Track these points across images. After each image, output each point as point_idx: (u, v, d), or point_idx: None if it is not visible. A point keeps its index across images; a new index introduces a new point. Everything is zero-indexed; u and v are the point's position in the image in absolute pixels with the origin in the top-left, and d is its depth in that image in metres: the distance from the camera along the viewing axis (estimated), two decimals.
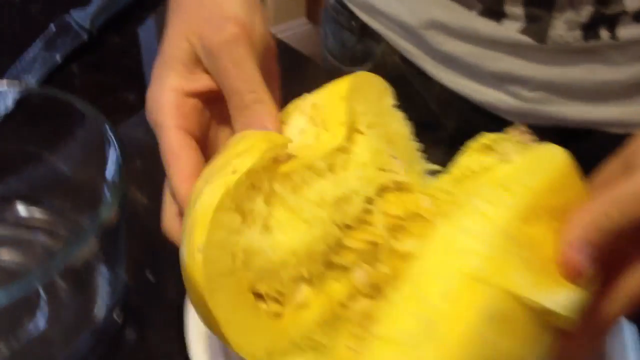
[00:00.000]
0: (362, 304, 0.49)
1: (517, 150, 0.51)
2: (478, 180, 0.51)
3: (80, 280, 0.62)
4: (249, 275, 0.47)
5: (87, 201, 0.69)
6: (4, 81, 0.69)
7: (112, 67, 0.98)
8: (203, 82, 0.55)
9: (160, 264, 0.70)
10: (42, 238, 0.72)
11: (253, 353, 0.46)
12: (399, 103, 0.58)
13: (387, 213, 0.52)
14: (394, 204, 0.52)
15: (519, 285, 0.44)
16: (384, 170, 0.54)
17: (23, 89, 0.69)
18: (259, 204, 0.48)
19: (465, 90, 0.87)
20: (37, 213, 0.73)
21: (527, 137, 0.52)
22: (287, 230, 0.49)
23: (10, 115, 0.69)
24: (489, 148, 0.53)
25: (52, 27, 0.98)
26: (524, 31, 0.77)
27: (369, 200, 0.52)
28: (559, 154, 0.50)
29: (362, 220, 0.52)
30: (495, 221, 0.46)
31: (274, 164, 0.50)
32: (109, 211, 0.59)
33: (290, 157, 0.51)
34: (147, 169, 0.79)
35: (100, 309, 0.64)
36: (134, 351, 0.65)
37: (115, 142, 0.63)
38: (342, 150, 0.52)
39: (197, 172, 0.51)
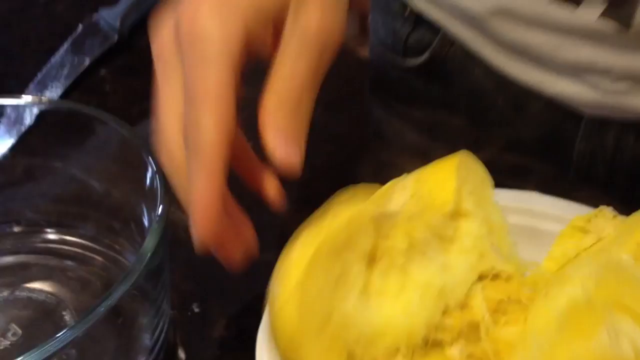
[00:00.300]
0: None
1: (613, 225, 0.50)
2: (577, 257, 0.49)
3: (121, 321, 0.55)
4: (344, 336, 0.45)
5: (123, 224, 0.62)
6: (27, 96, 0.63)
7: (145, 71, 0.90)
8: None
9: (206, 293, 0.63)
10: (75, 266, 0.65)
11: None
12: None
13: (488, 297, 0.50)
14: (494, 290, 0.50)
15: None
16: (486, 258, 0.51)
17: (46, 104, 0.63)
18: (358, 269, 0.46)
19: (538, 84, 0.79)
20: (68, 237, 0.67)
21: (618, 215, 0.51)
22: (392, 305, 0.47)
23: (32, 131, 0.62)
24: (582, 230, 0.51)
25: (80, 27, 0.93)
26: (605, 16, 0.69)
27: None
28: None
29: (463, 303, 0.50)
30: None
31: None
32: (153, 245, 0.52)
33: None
34: None
35: (142, 350, 0.57)
36: None
37: (153, 164, 0.56)
38: (450, 225, 0.51)
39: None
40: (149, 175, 0.57)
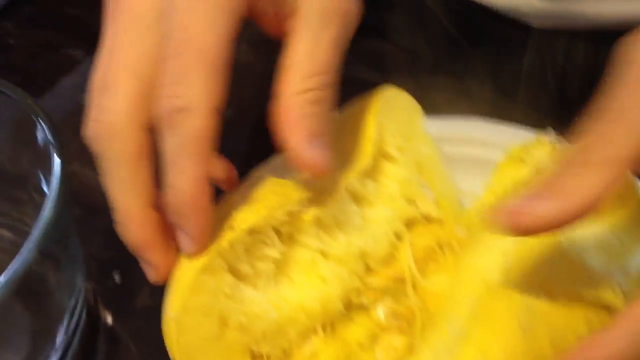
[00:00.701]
0: (390, 340, 0.44)
1: (551, 157, 0.46)
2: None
3: (34, 297, 0.50)
4: (245, 339, 0.42)
5: (27, 195, 0.56)
6: None
7: (54, 20, 0.83)
8: None
9: (127, 261, 0.57)
10: None
11: None
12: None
13: (415, 246, 0.47)
14: (423, 236, 0.47)
15: None
16: (414, 202, 0.48)
17: None
18: (262, 262, 0.43)
19: None
20: None
21: (560, 139, 0.47)
22: (298, 288, 0.43)
23: None
24: (521, 161, 0.48)
25: None
26: None
27: (397, 235, 0.47)
28: None
29: (388, 256, 0.47)
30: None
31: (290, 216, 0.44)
32: (52, 211, 0.48)
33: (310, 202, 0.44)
34: None
35: (60, 325, 0.52)
36: None
37: (46, 126, 0.50)
38: (370, 176, 0.47)
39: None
40: (39, 137, 0.51)
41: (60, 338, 0.53)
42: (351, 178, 0.45)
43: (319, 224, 0.44)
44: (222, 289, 0.41)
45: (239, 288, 0.42)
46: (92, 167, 0.64)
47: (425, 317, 0.44)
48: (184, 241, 0.41)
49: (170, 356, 0.41)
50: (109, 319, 0.56)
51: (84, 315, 0.55)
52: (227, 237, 0.41)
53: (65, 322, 0.53)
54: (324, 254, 0.44)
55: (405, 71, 0.69)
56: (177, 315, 0.40)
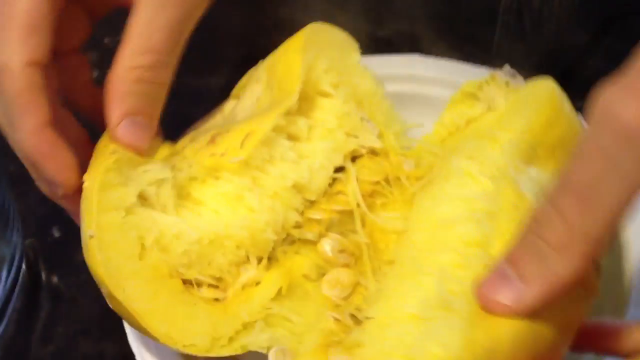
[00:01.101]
0: (336, 274, 0.43)
1: (504, 94, 0.45)
2: (463, 135, 0.45)
3: None
4: (169, 260, 0.41)
5: None
6: None
7: None
8: None
9: (65, 215, 0.56)
10: None
11: (191, 343, 0.40)
12: None
13: (361, 180, 0.45)
14: (369, 170, 0.46)
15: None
16: (354, 135, 0.47)
17: None
18: (167, 187, 0.42)
19: None
20: None
21: (514, 77, 0.46)
22: (223, 218, 0.43)
23: None
24: (473, 97, 0.47)
25: None
26: None
27: (339, 169, 0.46)
28: (544, 88, 0.44)
29: (333, 190, 0.45)
30: (480, 181, 0.40)
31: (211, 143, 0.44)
32: None
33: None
34: None
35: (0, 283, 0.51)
36: (49, 325, 0.52)
37: None
38: (302, 113, 0.45)
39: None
40: None
41: None
42: (278, 118, 0.44)
43: (247, 165, 0.43)
44: (128, 206, 0.41)
45: (151, 213, 0.42)
46: None
47: (373, 253, 0.43)
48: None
49: (95, 278, 0.40)
50: (50, 274, 0.55)
51: (23, 272, 0.54)
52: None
53: (2, 278, 0.51)
54: (251, 188, 0.43)
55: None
56: (94, 233, 0.39)
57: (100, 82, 0.57)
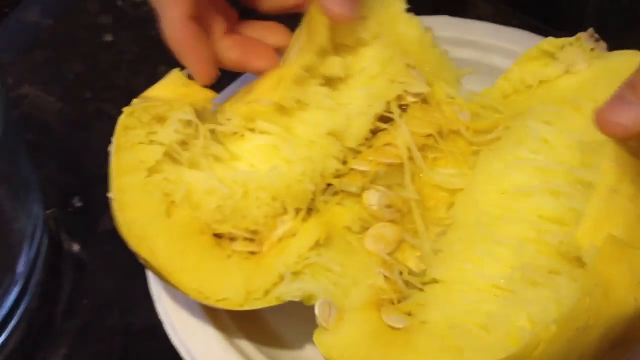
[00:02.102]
0: (381, 229, 0.41)
1: (586, 59, 0.42)
2: (534, 95, 0.42)
3: None
4: (201, 216, 0.40)
5: None
6: None
7: None
8: None
9: (86, 184, 0.55)
10: None
11: (224, 297, 0.39)
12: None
13: (412, 132, 0.42)
14: (420, 120, 0.43)
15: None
16: (399, 82, 0.44)
17: None
18: (200, 142, 0.41)
19: None
20: None
21: (598, 43, 0.43)
22: (258, 167, 0.42)
23: None
24: (550, 56, 0.43)
25: None
26: None
27: (387, 119, 0.43)
28: (636, 60, 0.40)
29: (380, 141, 0.43)
30: (560, 151, 0.38)
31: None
32: None
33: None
34: (52, 60, 0.61)
35: (19, 255, 0.50)
36: (73, 298, 0.51)
37: None
38: (344, 61, 0.44)
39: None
40: None
41: (21, 267, 0.50)
42: (309, 56, 0.42)
43: (280, 110, 0.42)
44: (152, 166, 0.40)
45: (179, 169, 0.41)
46: (44, 89, 0.61)
47: (423, 211, 0.41)
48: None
49: (124, 239, 0.40)
50: (73, 245, 0.54)
51: (45, 243, 0.53)
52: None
53: (24, 251, 0.50)
54: (286, 138, 0.42)
55: None
56: (114, 196, 0.39)
57: (114, 46, 0.55)
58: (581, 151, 0.37)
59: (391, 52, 0.44)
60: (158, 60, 0.59)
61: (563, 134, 0.38)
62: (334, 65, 0.43)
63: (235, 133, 0.42)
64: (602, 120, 0.36)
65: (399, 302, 0.38)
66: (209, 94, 0.43)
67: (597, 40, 0.42)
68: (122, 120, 0.40)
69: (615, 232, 0.33)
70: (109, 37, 0.60)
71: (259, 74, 0.45)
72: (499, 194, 0.38)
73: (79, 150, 0.55)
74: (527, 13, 0.58)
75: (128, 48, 0.60)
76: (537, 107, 0.40)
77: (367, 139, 0.43)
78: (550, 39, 0.43)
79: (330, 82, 0.43)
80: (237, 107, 0.42)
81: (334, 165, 0.42)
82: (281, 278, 0.39)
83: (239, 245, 0.40)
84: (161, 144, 0.40)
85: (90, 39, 0.61)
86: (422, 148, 0.42)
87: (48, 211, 0.54)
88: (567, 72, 0.43)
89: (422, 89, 0.43)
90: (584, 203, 0.35)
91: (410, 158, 0.42)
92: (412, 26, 0.45)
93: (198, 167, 0.41)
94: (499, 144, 0.40)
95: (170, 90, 0.43)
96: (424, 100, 0.44)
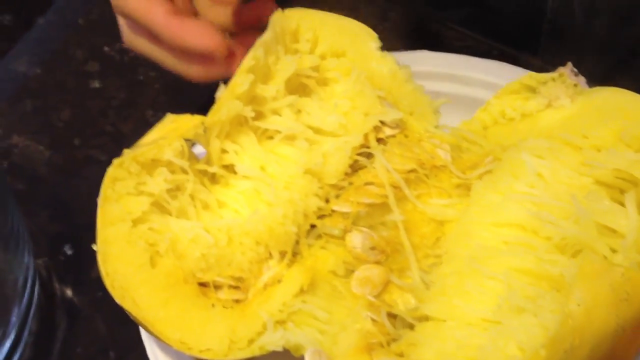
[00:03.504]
0: (367, 272, 0.40)
1: (569, 94, 0.42)
2: (517, 129, 0.42)
3: None
4: (185, 266, 0.40)
5: None
6: None
7: None
8: None
9: (77, 232, 0.55)
10: None
11: (207, 347, 0.38)
12: None
13: (394, 168, 0.42)
14: (399, 157, 0.42)
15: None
16: (372, 114, 0.43)
17: None
18: (188, 190, 0.42)
19: None
20: None
21: (578, 77, 0.43)
22: (242, 213, 0.42)
23: None
24: (531, 90, 0.43)
25: None
26: None
27: (363, 154, 0.43)
28: (625, 99, 0.40)
29: (360, 180, 0.43)
30: (557, 189, 0.38)
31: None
32: None
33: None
34: (40, 109, 0.62)
35: (13, 305, 0.50)
36: (67, 346, 0.51)
37: None
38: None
39: None
40: None
41: (14, 318, 0.50)
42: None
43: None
44: (138, 217, 0.40)
45: (166, 219, 0.41)
46: (33, 138, 0.61)
47: (411, 246, 0.41)
48: None
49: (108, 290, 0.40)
50: (65, 293, 0.53)
51: (37, 292, 0.52)
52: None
53: (17, 302, 0.50)
54: (268, 182, 0.42)
55: None
56: (98, 247, 0.40)
57: (102, 92, 0.55)
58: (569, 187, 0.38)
59: (361, 86, 0.44)
60: (145, 105, 0.59)
61: (556, 170, 0.38)
62: (309, 107, 0.44)
63: (220, 179, 0.43)
64: None
65: (389, 344, 0.38)
66: (196, 120, 0.43)
67: (576, 75, 0.42)
68: (110, 172, 0.40)
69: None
70: (96, 84, 0.61)
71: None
72: (494, 227, 0.38)
73: (69, 197, 0.55)
74: (503, 41, 0.58)
75: (115, 94, 0.61)
76: (528, 140, 0.39)
77: (347, 174, 0.43)
78: (533, 74, 0.43)
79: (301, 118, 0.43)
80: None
81: (315, 203, 0.42)
82: (265, 327, 0.39)
83: (224, 294, 0.40)
84: (150, 194, 0.40)
85: (78, 86, 0.61)
86: (405, 183, 0.42)
87: (39, 260, 0.54)
88: (549, 106, 0.42)
89: (397, 115, 0.43)
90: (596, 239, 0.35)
91: (400, 185, 0.42)
92: (384, 62, 0.45)
93: (186, 216, 0.41)
94: (492, 176, 0.40)
95: (160, 132, 0.43)
96: (402, 134, 0.44)
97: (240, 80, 0.41)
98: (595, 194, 0.36)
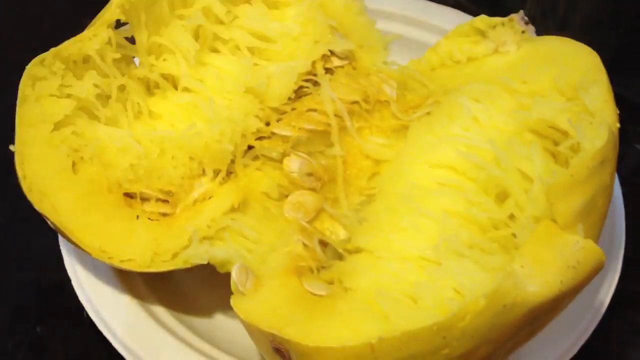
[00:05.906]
0: (300, 197, 0.40)
1: (516, 40, 0.42)
2: (462, 72, 0.43)
3: None
4: (111, 175, 0.39)
5: None
6: None
7: None
8: None
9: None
10: None
11: (129, 258, 0.38)
12: None
13: (339, 97, 0.42)
14: (346, 87, 0.42)
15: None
16: (322, 43, 0.43)
17: None
18: (116, 99, 0.40)
19: None
20: None
21: (528, 26, 0.43)
22: (177, 130, 0.41)
23: None
24: (481, 34, 0.43)
25: None
26: None
27: (311, 81, 0.43)
28: (583, 53, 0.39)
29: (303, 106, 0.42)
30: (488, 130, 0.38)
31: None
32: None
33: None
34: None
35: None
36: None
37: None
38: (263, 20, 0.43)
39: None
40: None
41: None
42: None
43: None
44: (60, 120, 0.38)
45: (93, 125, 0.39)
46: None
47: (346, 178, 0.40)
48: None
49: (26, 195, 0.37)
50: None
51: None
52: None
53: None
54: (208, 98, 0.40)
55: None
56: (16, 148, 0.38)
57: None
58: (502, 132, 0.37)
59: (314, 13, 0.43)
60: None
61: (492, 113, 0.38)
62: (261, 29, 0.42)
63: (157, 92, 0.41)
64: None
65: (318, 271, 0.37)
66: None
67: (527, 23, 0.42)
68: (30, 70, 0.38)
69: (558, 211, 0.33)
70: None
71: None
72: (428, 166, 0.38)
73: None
74: None
75: None
76: (467, 84, 0.40)
77: (291, 99, 0.42)
78: (483, 17, 0.43)
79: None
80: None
81: (255, 124, 0.41)
82: (191, 241, 0.38)
83: (151, 206, 0.39)
84: (77, 98, 0.39)
85: None
86: (348, 114, 0.41)
87: None
88: (496, 51, 0.42)
89: (347, 46, 0.43)
90: (514, 184, 0.35)
91: (343, 117, 0.41)
92: None
93: (117, 124, 0.40)
94: (429, 118, 0.40)
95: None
96: (350, 66, 0.43)
97: None
98: (516, 140, 0.36)
